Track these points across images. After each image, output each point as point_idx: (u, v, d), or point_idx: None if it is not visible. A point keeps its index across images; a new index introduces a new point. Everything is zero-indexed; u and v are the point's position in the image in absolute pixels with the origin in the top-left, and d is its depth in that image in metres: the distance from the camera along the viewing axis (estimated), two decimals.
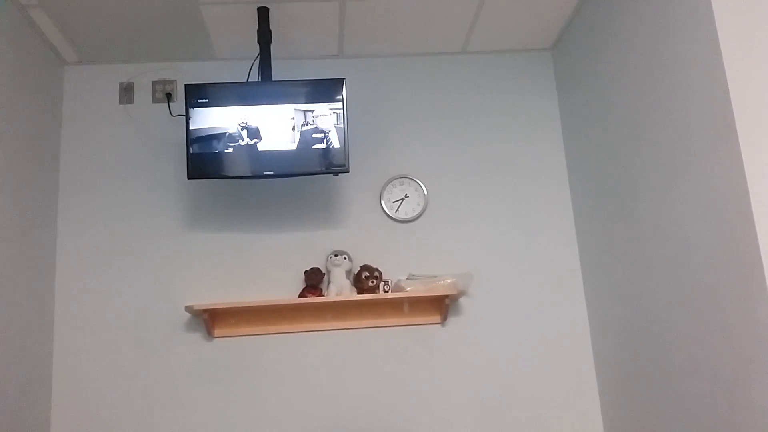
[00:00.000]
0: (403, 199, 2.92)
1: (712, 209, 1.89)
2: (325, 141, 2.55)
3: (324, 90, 2.58)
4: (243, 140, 2.52)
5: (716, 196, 1.86)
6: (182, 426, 2.67)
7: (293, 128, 2.55)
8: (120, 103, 2.94)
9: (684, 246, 2.05)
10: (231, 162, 2.53)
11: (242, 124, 2.53)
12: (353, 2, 2.61)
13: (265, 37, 2.65)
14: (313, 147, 2.55)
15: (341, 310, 2.78)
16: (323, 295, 2.72)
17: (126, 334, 2.73)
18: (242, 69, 2.81)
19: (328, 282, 2.74)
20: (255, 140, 2.53)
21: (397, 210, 2.90)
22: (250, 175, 2.55)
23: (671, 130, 2.09)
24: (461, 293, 2.76)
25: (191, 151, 2.53)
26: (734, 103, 1.77)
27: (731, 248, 1.80)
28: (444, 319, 2.80)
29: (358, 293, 2.71)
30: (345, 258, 2.73)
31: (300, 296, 2.72)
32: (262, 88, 2.59)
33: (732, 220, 1.79)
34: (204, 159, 2.53)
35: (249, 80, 2.74)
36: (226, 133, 2.53)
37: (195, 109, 2.55)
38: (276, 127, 2.55)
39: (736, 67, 1.79)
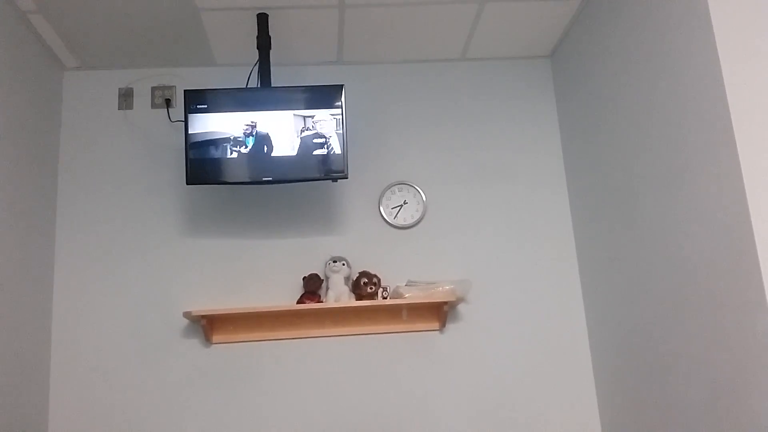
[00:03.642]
0: (401, 206, 2.92)
1: (710, 216, 1.89)
2: (326, 147, 2.56)
3: (323, 96, 2.59)
4: (247, 147, 2.52)
5: (714, 202, 1.86)
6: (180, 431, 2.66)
7: (293, 134, 2.55)
8: (119, 109, 2.94)
9: (682, 253, 2.05)
10: (230, 168, 2.53)
11: (248, 130, 2.52)
12: (352, 9, 2.61)
13: (264, 43, 2.66)
14: (314, 153, 2.55)
15: (340, 316, 2.78)
16: (322, 302, 2.72)
17: (124, 340, 2.73)
18: (241, 75, 2.82)
19: (327, 288, 2.73)
20: (264, 147, 2.52)
21: (395, 216, 2.90)
22: (248, 181, 2.55)
23: (669, 137, 2.09)
24: (460, 300, 2.76)
25: (190, 157, 2.53)
26: (732, 110, 1.78)
27: (729, 254, 1.81)
28: (442, 325, 2.79)
29: (357, 299, 2.71)
30: (343, 264, 2.73)
31: (298, 302, 2.71)
32: (262, 94, 2.59)
33: (730, 226, 1.80)
34: (203, 165, 2.53)
35: (248, 86, 2.75)
36: (230, 137, 2.53)
37: (194, 114, 2.55)
38: (275, 133, 2.55)
39: (733, 74, 1.80)
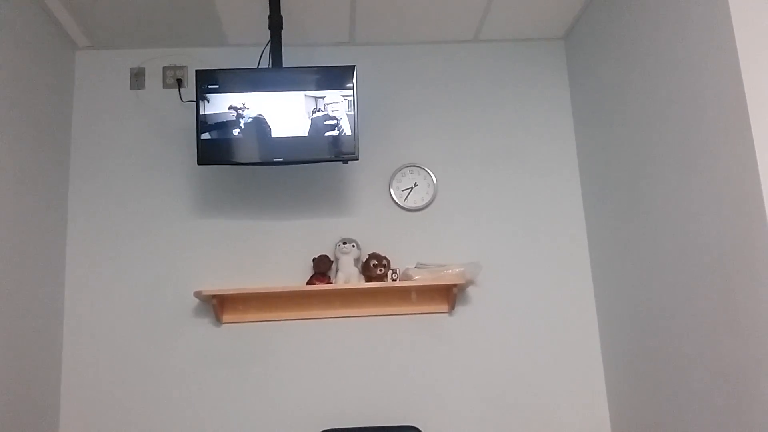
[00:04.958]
0: (412, 188, 2.91)
1: (724, 204, 1.87)
2: (337, 128, 2.55)
3: (334, 77, 2.58)
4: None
5: (729, 190, 1.85)
6: (190, 410, 2.69)
7: (304, 115, 2.55)
8: (131, 89, 2.94)
9: (695, 240, 2.04)
10: (241, 148, 2.53)
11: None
12: None
13: (276, 23, 2.65)
14: (325, 134, 2.55)
15: (349, 297, 2.79)
16: (331, 283, 2.73)
17: (135, 319, 2.75)
18: (253, 55, 2.81)
19: (337, 270, 2.74)
20: (260, 128, 2.52)
21: (406, 198, 2.90)
22: (259, 161, 2.55)
23: (684, 123, 2.07)
24: (469, 282, 2.76)
25: (201, 137, 2.53)
26: (748, 96, 1.76)
27: (742, 243, 1.79)
28: (451, 308, 2.80)
29: (366, 281, 2.72)
30: (353, 246, 2.74)
31: (308, 283, 2.73)
32: (273, 74, 2.58)
33: (744, 215, 1.78)
34: (214, 145, 2.53)
35: (260, 66, 2.74)
36: (236, 119, 2.53)
37: (206, 94, 2.55)
38: (287, 113, 2.54)
39: (751, 59, 1.78)
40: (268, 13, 2.65)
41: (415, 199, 2.90)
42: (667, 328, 2.23)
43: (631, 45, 2.42)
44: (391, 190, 2.90)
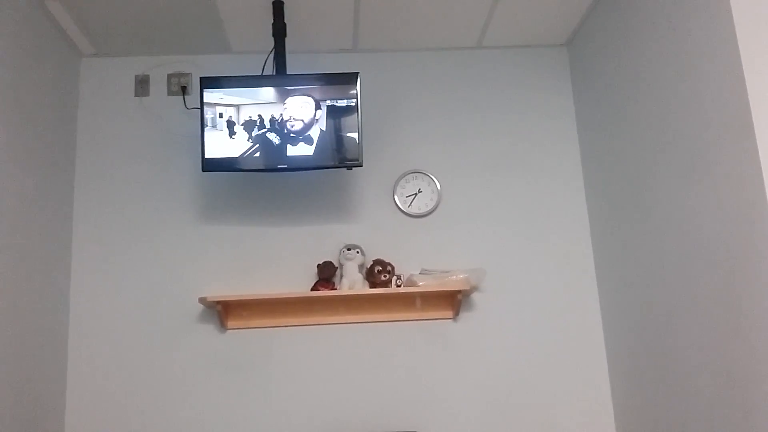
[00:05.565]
0: (416, 194, 2.91)
1: (728, 207, 1.87)
2: None
3: (338, 84, 2.58)
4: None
5: (732, 193, 1.85)
6: (194, 416, 2.69)
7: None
8: (135, 96, 2.95)
9: (699, 244, 2.03)
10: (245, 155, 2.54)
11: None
12: None
13: (279, 30, 2.66)
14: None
15: (353, 303, 2.79)
16: (336, 289, 2.73)
17: (139, 325, 2.75)
18: (257, 62, 2.82)
19: (341, 276, 2.74)
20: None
21: (410, 205, 2.90)
22: (264, 168, 2.56)
23: (688, 127, 2.07)
24: (474, 288, 2.76)
25: (206, 144, 2.54)
26: (752, 101, 1.76)
27: (746, 246, 1.79)
28: (456, 314, 2.80)
29: (371, 287, 2.72)
30: (358, 252, 2.74)
31: (312, 289, 2.73)
32: (277, 81, 2.59)
33: (747, 217, 1.78)
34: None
35: (264, 73, 2.75)
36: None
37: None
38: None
39: (753, 63, 1.78)
40: (272, 21, 2.67)
41: (419, 205, 2.90)
42: (672, 333, 2.23)
43: (633, 51, 2.43)
44: (395, 196, 2.91)
